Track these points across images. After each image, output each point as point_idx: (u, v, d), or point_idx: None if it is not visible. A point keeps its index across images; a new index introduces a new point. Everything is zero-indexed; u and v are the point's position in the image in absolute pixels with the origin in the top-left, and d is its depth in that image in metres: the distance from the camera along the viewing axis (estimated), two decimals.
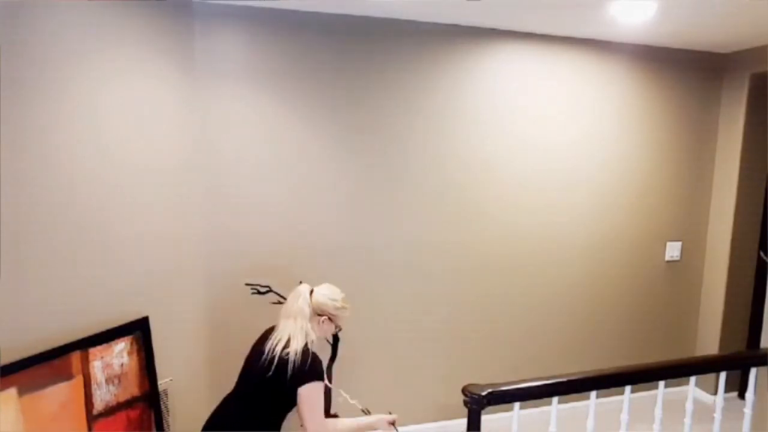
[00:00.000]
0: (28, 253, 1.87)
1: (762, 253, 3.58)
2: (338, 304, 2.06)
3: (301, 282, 2.14)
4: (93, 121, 2.12)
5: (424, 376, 3.20)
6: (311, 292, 2.06)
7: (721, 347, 3.58)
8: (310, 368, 1.89)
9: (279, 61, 2.75)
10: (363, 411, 2.34)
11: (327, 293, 2.06)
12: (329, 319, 2.06)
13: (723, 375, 2.40)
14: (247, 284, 2.76)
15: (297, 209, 2.88)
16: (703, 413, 3.22)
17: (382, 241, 3.03)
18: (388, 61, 2.89)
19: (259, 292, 2.80)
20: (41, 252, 1.92)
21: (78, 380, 2.00)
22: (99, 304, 2.15)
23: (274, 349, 1.91)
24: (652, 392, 2.41)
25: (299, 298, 2.01)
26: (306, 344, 1.92)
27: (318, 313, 2.03)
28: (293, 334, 1.93)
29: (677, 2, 2.49)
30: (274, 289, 2.73)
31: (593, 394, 2.22)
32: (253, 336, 2.11)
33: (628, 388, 2.26)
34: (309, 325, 1.97)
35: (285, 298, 2.86)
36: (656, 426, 2.33)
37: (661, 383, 2.31)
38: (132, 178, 2.31)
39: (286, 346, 1.91)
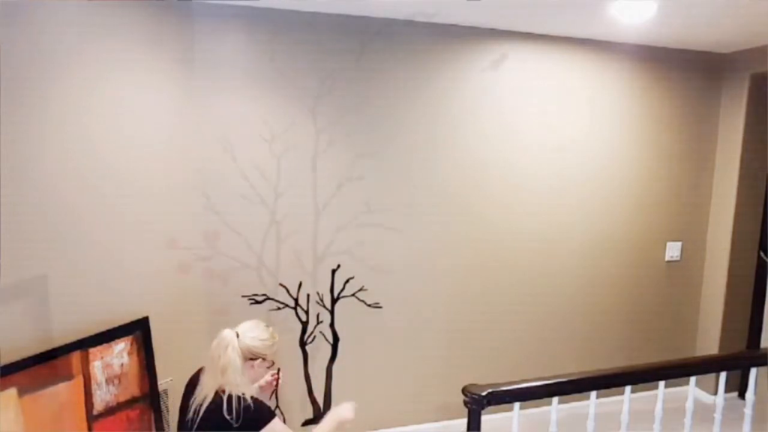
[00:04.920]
0: (28, 254, 1.87)
1: (762, 253, 3.58)
2: (268, 342, 1.91)
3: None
4: (91, 120, 2.12)
5: (424, 376, 3.19)
6: (237, 335, 1.87)
7: (721, 347, 3.58)
8: (258, 415, 1.75)
9: (279, 61, 2.75)
10: None
11: (255, 334, 1.89)
12: (262, 359, 1.91)
13: (723, 375, 2.40)
14: (243, 296, 2.78)
15: (297, 210, 2.88)
16: (703, 413, 3.22)
17: (382, 241, 3.02)
18: (387, 61, 2.89)
19: (256, 302, 2.82)
20: (41, 253, 1.92)
21: (78, 380, 2.00)
22: (99, 304, 2.15)
23: (203, 412, 1.74)
24: (652, 392, 2.41)
25: (227, 348, 1.80)
26: (240, 397, 1.75)
27: (250, 357, 1.86)
28: (227, 392, 1.75)
29: (677, 2, 2.49)
30: (270, 296, 2.77)
31: (593, 394, 2.22)
32: None
33: (628, 388, 2.27)
34: (240, 379, 1.79)
35: (284, 304, 2.89)
36: (656, 426, 2.34)
37: (661, 383, 2.31)
38: (132, 179, 2.31)
39: (218, 406, 1.73)
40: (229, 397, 1.74)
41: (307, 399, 3.01)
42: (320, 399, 3.04)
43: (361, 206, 2.97)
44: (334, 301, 2.99)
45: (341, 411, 2.01)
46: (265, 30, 2.70)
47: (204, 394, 1.78)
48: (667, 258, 3.59)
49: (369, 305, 3.04)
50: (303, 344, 2.96)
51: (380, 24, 2.85)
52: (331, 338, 3.01)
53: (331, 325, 3.01)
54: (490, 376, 2.81)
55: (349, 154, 2.91)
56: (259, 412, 1.76)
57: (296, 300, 2.91)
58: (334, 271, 2.96)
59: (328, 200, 2.92)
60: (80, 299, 2.07)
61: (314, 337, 2.98)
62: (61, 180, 1.99)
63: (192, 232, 2.68)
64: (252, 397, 1.78)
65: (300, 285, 2.92)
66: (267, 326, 1.94)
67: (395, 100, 2.93)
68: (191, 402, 1.80)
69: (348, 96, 2.87)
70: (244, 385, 1.80)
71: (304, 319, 2.95)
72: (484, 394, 2.04)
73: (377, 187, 2.98)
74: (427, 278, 3.12)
